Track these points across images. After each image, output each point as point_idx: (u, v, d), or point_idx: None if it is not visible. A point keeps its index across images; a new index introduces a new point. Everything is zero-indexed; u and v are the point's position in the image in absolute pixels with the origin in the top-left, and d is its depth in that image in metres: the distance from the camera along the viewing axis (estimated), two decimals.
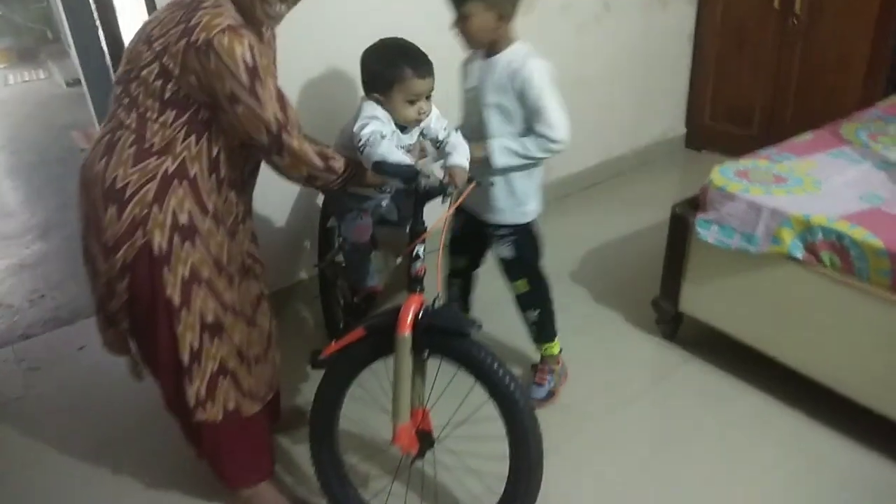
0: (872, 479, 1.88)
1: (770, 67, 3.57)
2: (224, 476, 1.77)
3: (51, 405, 2.36)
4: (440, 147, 1.82)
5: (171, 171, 1.47)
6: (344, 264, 2.22)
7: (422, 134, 1.83)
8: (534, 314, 2.16)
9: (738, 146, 3.63)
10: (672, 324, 2.42)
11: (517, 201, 1.99)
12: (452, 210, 1.67)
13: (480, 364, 1.54)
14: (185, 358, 1.56)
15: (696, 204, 2.23)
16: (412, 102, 1.70)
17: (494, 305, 2.39)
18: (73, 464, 2.08)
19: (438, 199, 1.59)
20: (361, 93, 1.78)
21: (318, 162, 1.54)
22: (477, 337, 1.55)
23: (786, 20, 3.42)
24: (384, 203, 2.02)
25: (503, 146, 1.87)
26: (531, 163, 1.94)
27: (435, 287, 1.67)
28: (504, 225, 2.04)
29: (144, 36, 1.45)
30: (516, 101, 1.86)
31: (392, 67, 1.68)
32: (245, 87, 1.39)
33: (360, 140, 1.62)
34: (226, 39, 1.37)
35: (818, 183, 2.12)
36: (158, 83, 1.42)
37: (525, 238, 2.08)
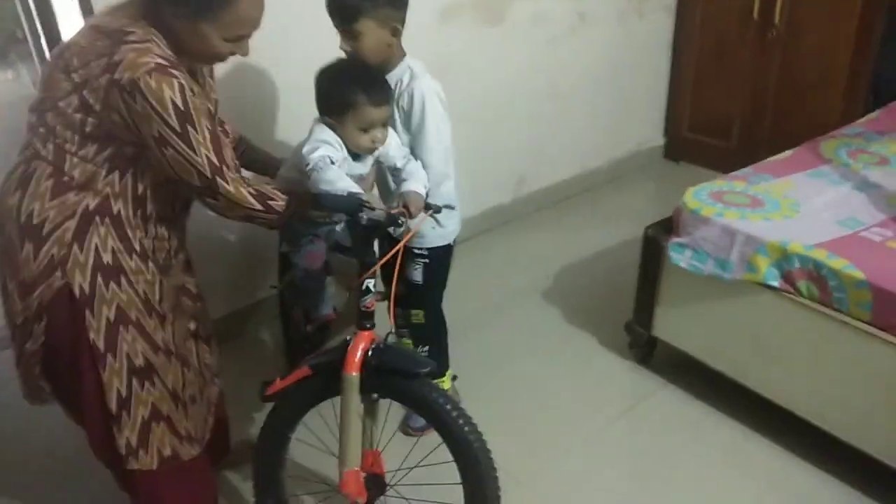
0: None
1: (749, 79, 3.50)
2: None
3: None
4: (397, 175, 1.73)
5: (91, 207, 1.37)
6: (294, 290, 2.11)
7: (378, 162, 1.73)
8: (424, 350, 2.07)
9: (716, 158, 3.59)
10: (646, 348, 2.33)
11: (436, 221, 1.86)
12: (407, 239, 1.56)
13: (432, 405, 1.46)
14: (113, 406, 1.44)
15: (669, 226, 2.14)
16: (366, 130, 1.59)
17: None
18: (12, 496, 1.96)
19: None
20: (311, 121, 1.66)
21: (256, 205, 1.44)
22: (428, 377, 1.47)
23: (765, 31, 3.35)
24: (338, 228, 1.90)
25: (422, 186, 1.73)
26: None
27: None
28: (418, 246, 1.92)
29: (62, 63, 1.34)
30: (402, 121, 1.78)
31: (345, 92, 1.56)
32: (175, 130, 1.30)
33: (307, 164, 1.51)
34: (153, 81, 1.27)
35: (796, 206, 2.04)
36: (78, 116, 1.32)
37: (438, 263, 1.97)
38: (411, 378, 1.46)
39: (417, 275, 1.95)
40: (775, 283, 1.86)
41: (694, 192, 2.12)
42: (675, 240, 2.07)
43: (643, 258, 2.20)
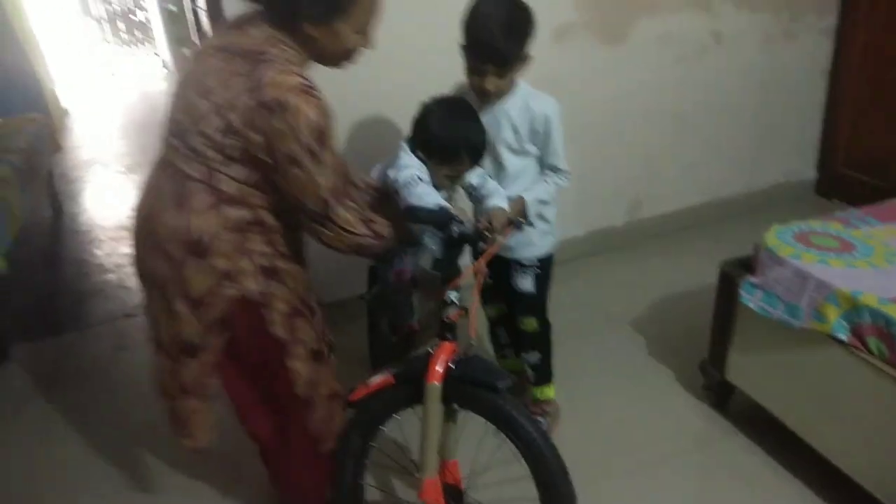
0: None
1: None
2: (315, 499, 1.75)
3: (128, 380, 2.63)
4: (474, 192, 1.78)
5: (247, 219, 1.42)
6: (381, 301, 2.22)
7: (460, 186, 1.80)
8: (535, 356, 2.10)
9: (871, 198, 3.24)
10: (719, 391, 2.20)
11: (542, 232, 1.95)
12: (490, 254, 1.55)
13: (510, 421, 1.47)
14: (302, 390, 1.56)
15: (748, 264, 2.02)
16: (452, 177, 1.68)
17: None
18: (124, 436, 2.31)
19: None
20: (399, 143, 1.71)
21: (363, 229, 1.48)
22: (507, 391, 1.48)
23: None
24: (430, 243, 1.90)
25: (534, 199, 1.84)
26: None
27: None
28: (530, 257, 1.98)
29: (200, 88, 1.37)
30: (530, 138, 1.83)
31: (451, 145, 1.62)
32: (308, 149, 1.33)
33: (396, 183, 1.58)
34: (297, 101, 1.30)
35: (893, 255, 1.84)
36: (219, 137, 1.35)
37: (547, 272, 2.04)
38: (492, 391, 1.47)
39: (529, 284, 2.01)
40: (843, 337, 1.70)
41: (778, 231, 1.99)
42: (749, 279, 1.95)
43: (718, 296, 2.10)
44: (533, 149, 1.85)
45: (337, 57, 1.46)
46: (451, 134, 1.62)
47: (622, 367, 2.48)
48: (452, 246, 1.52)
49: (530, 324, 2.07)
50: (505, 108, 1.80)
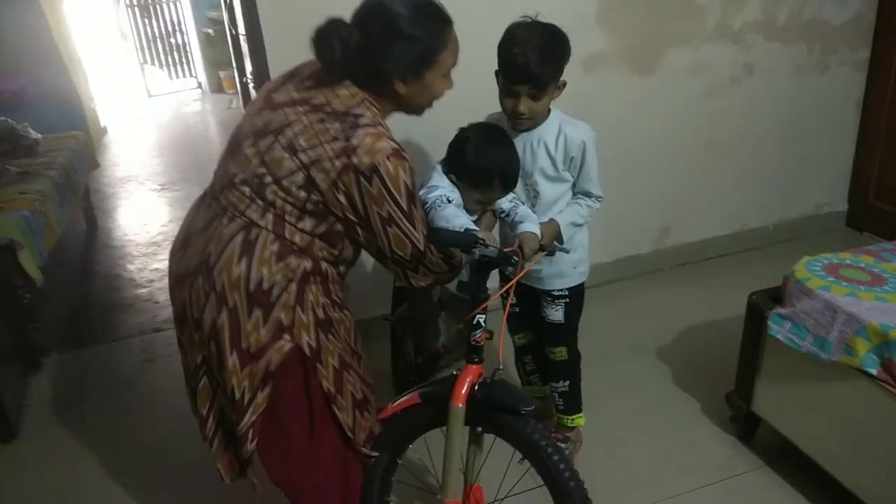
0: None
1: None
2: None
3: (154, 391, 2.67)
4: (506, 218, 1.78)
5: (308, 269, 1.43)
6: (409, 323, 2.23)
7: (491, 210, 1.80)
8: (564, 385, 2.09)
9: None
10: (745, 423, 2.17)
11: (573, 262, 1.94)
12: (518, 277, 1.55)
13: (533, 446, 1.49)
14: (349, 434, 1.55)
15: (777, 295, 2.00)
16: (483, 203, 1.71)
17: None
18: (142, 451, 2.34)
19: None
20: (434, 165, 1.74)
21: (447, 267, 1.53)
22: (532, 417, 1.49)
23: None
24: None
25: (568, 222, 1.86)
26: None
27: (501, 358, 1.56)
28: (560, 288, 1.98)
29: (286, 142, 1.37)
30: (566, 164, 1.85)
31: (485, 172, 1.64)
32: (403, 211, 1.39)
33: (425, 203, 1.60)
34: (391, 166, 1.35)
35: None
36: (302, 193, 1.37)
37: (577, 301, 2.02)
38: (516, 415, 1.48)
39: (559, 314, 2.00)
40: (873, 371, 1.68)
41: (808, 262, 1.97)
42: (778, 310, 1.93)
43: (746, 326, 2.08)
44: (568, 175, 1.86)
45: (423, 106, 1.51)
46: (486, 160, 1.64)
47: (646, 396, 2.46)
48: (479, 269, 1.53)
49: (560, 353, 2.05)
50: (540, 135, 1.82)
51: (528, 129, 1.82)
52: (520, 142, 1.82)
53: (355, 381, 1.56)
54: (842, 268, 1.94)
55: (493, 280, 1.63)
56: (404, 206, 1.38)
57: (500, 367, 1.50)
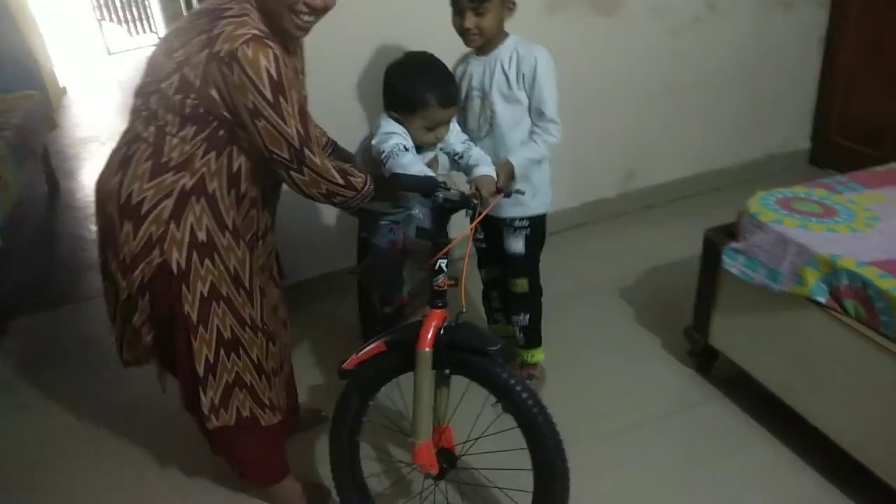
0: None
1: None
2: (240, 473, 1.83)
3: None
4: (460, 161, 1.79)
5: (188, 187, 1.44)
6: (372, 274, 2.20)
7: (443, 152, 1.81)
8: (525, 318, 2.14)
9: (865, 168, 3.24)
10: (703, 356, 2.23)
11: (534, 191, 1.97)
12: (477, 222, 1.57)
13: (502, 385, 1.50)
14: (201, 370, 1.56)
15: (732, 231, 2.03)
16: (431, 129, 1.68)
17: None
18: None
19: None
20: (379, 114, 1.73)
21: (338, 178, 1.50)
22: (499, 356, 1.50)
23: None
24: (416, 212, 1.91)
25: (525, 158, 1.87)
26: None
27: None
28: (521, 217, 2.01)
29: (165, 46, 1.41)
30: (523, 89, 1.87)
31: (416, 92, 1.63)
32: (268, 100, 1.35)
33: (382, 152, 1.60)
34: (250, 50, 1.31)
35: (874, 220, 1.85)
36: (178, 97, 1.38)
37: (537, 232, 2.07)
38: (483, 355, 1.50)
39: (520, 245, 2.05)
40: (822, 300, 1.72)
41: (762, 197, 2.00)
42: (732, 245, 1.97)
43: (702, 262, 2.11)
44: (524, 96, 1.88)
45: (281, 15, 1.42)
46: (413, 80, 1.64)
47: (610, 335, 2.51)
48: (441, 214, 1.53)
49: (521, 285, 2.10)
50: (497, 56, 1.86)
51: (486, 50, 1.87)
52: (480, 65, 1.89)
53: (227, 317, 1.54)
54: (795, 201, 1.97)
55: (455, 225, 1.63)
56: (268, 95, 1.34)
57: (464, 310, 1.52)
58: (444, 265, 1.54)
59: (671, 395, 2.22)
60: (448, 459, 1.65)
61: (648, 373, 2.31)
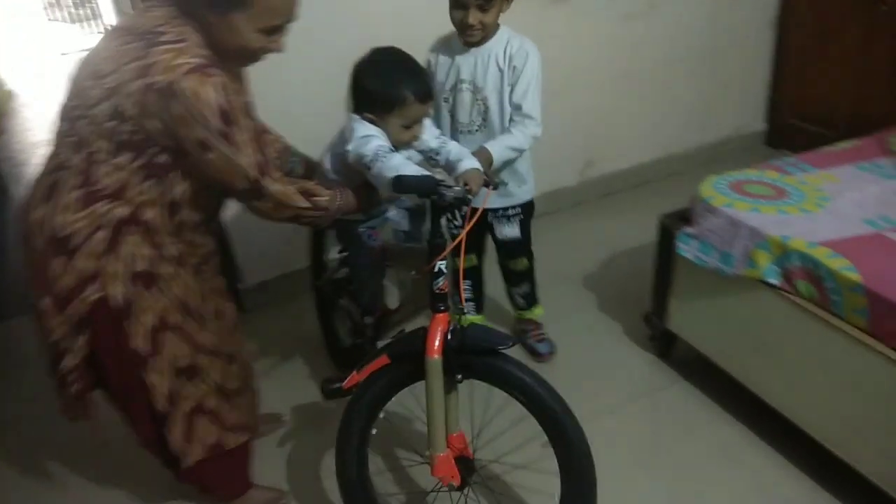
0: None
1: (855, 60, 3.16)
2: (203, 491, 1.78)
3: None
4: (437, 157, 1.72)
5: (123, 217, 1.34)
6: (352, 285, 2.03)
7: (418, 151, 1.75)
8: (527, 287, 2.29)
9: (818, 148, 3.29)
10: (663, 341, 2.24)
11: (521, 180, 2.05)
12: (476, 218, 1.50)
13: (517, 381, 1.43)
14: (160, 405, 1.48)
15: (686, 215, 2.04)
16: (408, 126, 1.61)
17: None
18: None
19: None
20: (348, 118, 1.65)
21: (301, 202, 1.44)
22: (511, 353, 1.44)
23: (874, 6, 3.00)
24: (392, 214, 1.85)
25: (504, 146, 1.87)
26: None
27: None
28: (513, 206, 2.08)
29: (91, 69, 1.30)
30: (511, 77, 1.87)
31: (392, 89, 1.55)
32: (218, 133, 1.26)
33: (364, 157, 1.51)
34: (191, 83, 1.22)
35: (824, 200, 1.87)
36: (112, 124, 1.27)
37: (528, 216, 2.15)
38: (493, 355, 1.43)
39: (515, 231, 2.13)
40: (775, 282, 1.74)
41: (714, 181, 2.01)
42: (685, 230, 1.97)
43: (658, 248, 2.12)
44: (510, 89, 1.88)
45: (236, 53, 1.34)
46: (388, 76, 1.57)
47: (572, 322, 2.51)
48: (417, 215, 1.50)
49: (522, 263, 2.21)
50: (490, 49, 1.86)
51: (479, 43, 1.85)
52: (471, 57, 1.87)
53: (181, 346, 1.47)
54: (747, 184, 1.98)
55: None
56: (217, 126, 1.25)
57: (466, 310, 1.48)
58: (443, 267, 1.46)
59: (634, 380, 2.23)
60: (466, 466, 1.58)
61: (611, 359, 2.32)
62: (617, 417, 2.08)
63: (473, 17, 1.75)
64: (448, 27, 1.87)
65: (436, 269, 1.45)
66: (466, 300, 2.31)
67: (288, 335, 2.57)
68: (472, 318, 2.33)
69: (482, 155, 1.80)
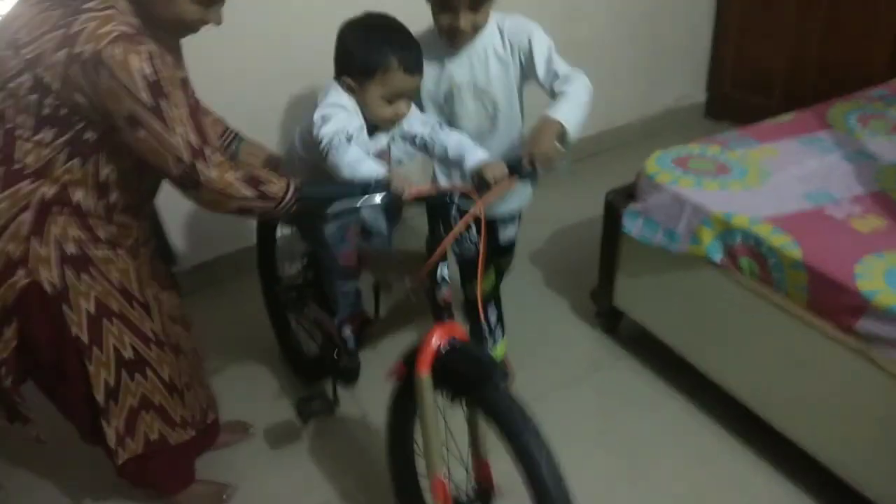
0: None
1: (791, 29, 3.19)
2: (148, 489, 1.72)
3: None
4: (428, 147, 1.54)
5: (48, 197, 1.26)
6: (323, 291, 1.83)
7: (401, 137, 1.57)
8: (498, 310, 2.02)
9: (758, 118, 3.31)
10: (609, 318, 2.24)
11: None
12: (483, 208, 1.31)
13: (505, 420, 1.24)
14: (101, 397, 1.40)
15: (632, 192, 2.02)
16: (390, 101, 1.42)
17: None
18: None
19: None
20: (325, 82, 1.49)
21: (247, 192, 1.27)
22: (503, 387, 1.26)
23: None
24: (365, 212, 1.68)
25: (574, 107, 1.55)
26: None
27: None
28: (519, 206, 1.90)
29: (8, 38, 1.20)
30: (517, 61, 1.64)
31: (375, 53, 1.38)
32: (147, 106, 1.16)
33: (320, 141, 1.34)
34: (118, 52, 1.13)
35: (766, 175, 1.87)
36: (33, 97, 1.19)
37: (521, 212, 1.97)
38: (485, 382, 1.25)
39: (512, 231, 1.97)
40: (718, 259, 1.74)
41: (658, 157, 1.99)
42: (631, 207, 1.96)
43: (604, 224, 2.10)
44: (515, 78, 1.66)
45: (171, 24, 1.26)
46: (374, 40, 1.40)
47: (519, 300, 2.48)
48: (394, 212, 1.38)
49: (507, 263, 2.07)
50: (484, 43, 1.62)
51: (465, 41, 1.61)
52: (463, 58, 1.63)
53: (125, 336, 1.40)
54: (690, 159, 1.97)
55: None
56: (147, 101, 1.16)
57: (494, 339, 1.37)
58: (445, 274, 1.32)
59: (581, 357, 2.23)
60: (482, 496, 1.44)
61: (558, 336, 2.31)
62: (564, 395, 2.07)
63: (465, 20, 1.51)
64: (421, 21, 1.61)
65: (437, 277, 1.30)
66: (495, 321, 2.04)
67: (231, 321, 2.46)
68: (500, 347, 2.10)
69: (549, 127, 1.47)
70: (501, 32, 1.62)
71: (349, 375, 1.80)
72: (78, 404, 1.44)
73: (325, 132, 1.34)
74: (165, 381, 1.50)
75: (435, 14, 1.56)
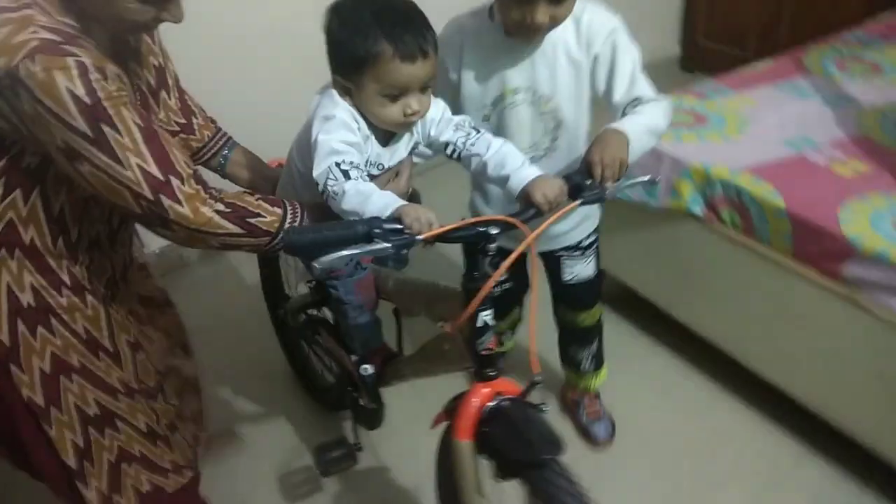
0: (770, 454, 1.71)
1: None
2: None
3: None
4: (462, 157, 1.21)
5: None
6: (338, 321, 1.56)
7: (426, 145, 1.25)
8: (595, 346, 1.72)
9: (732, 69, 3.28)
10: None
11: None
12: (532, 241, 1.04)
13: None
14: (72, 461, 1.20)
15: None
16: (393, 98, 1.10)
17: None
18: None
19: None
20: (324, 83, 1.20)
21: (231, 227, 1.05)
22: (559, 464, 1.05)
23: None
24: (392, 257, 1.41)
25: (642, 127, 1.24)
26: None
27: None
28: (590, 233, 1.54)
29: None
30: (595, 70, 1.31)
31: (361, 39, 1.06)
32: (85, 136, 0.93)
33: (319, 183, 1.07)
34: (38, 68, 0.89)
35: (744, 124, 1.84)
36: None
37: (598, 241, 1.58)
38: (533, 465, 1.05)
39: (591, 267, 1.57)
40: (699, 212, 1.70)
41: None
42: None
43: None
44: (588, 85, 1.33)
45: (117, 24, 1.02)
46: (360, 22, 1.08)
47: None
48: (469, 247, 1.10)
49: (593, 315, 1.64)
50: (555, 38, 1.27)
51: (529, 40, 1.28)
52: (525, 54, 1.29)
53: (87, 392, 1.19)
54: None
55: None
56: (83, 129, 0.93)
57: (539, 378, 1.08)
58: (488, 319, 1.10)
59: None
60: None
61: (540, 296, 2.26)
62: (545, 350, 2.04)
63: (543, 13, 1.16)
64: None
65: (478, 324, 1.09)
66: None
67: (210, 314, 2.33)
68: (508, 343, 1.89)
69: (614, 138, 1.17)
70: (578, 26, 1.28)
71: (371, 420, 1.59)
72: (49, 470, 1.24)
73: (320, 169, 1.07)
74: (142, 430, 1.29)
75: (502, 8, 1.24)
